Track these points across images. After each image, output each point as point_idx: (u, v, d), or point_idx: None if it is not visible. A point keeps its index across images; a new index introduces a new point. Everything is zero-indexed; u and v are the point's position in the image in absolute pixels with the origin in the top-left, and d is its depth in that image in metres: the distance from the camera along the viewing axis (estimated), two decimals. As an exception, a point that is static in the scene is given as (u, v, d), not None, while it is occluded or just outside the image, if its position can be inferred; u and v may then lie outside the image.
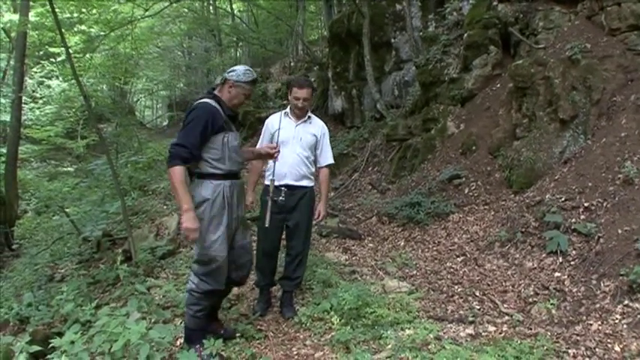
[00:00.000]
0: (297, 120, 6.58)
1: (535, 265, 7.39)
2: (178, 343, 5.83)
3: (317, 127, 6.73)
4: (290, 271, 6.71)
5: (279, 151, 6.07)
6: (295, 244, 6.68)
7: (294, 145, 6.49)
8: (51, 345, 5.13)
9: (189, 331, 5.48)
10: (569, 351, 5.36)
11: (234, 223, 5.47)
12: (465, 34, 13.17)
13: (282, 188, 6.39)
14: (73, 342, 5.05)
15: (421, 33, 16.10)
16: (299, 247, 6.67)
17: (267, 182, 6.42)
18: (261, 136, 6.82)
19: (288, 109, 6.65)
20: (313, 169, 6.73)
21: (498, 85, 12.21)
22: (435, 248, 9.15)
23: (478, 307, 6.67)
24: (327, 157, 6.83)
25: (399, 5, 16.87)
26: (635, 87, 8.78)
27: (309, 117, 6.68)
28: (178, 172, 5.03)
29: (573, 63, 9.30)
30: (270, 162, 6.36)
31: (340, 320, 6.02)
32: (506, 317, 6.34)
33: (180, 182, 5.05)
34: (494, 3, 13.14)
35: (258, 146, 6.61)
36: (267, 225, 6.20)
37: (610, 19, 9.74)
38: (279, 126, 6.47)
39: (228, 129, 5.35)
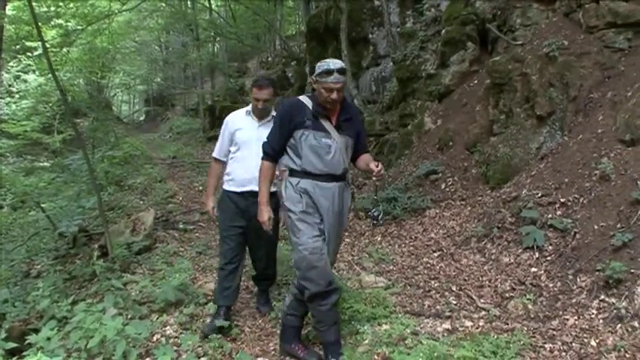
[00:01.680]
0: (260, 120, 6.19)
1: (511, 261, 7.42)
2: (155, 338, 5.82)
3: None
4: (260, 270, 6.67)
5: (380, 173, 5.22)
6: (260, 253, 6.50)
7: (257, 148, 5.66)
8: (27, 341, 5.11)
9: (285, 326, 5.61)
10: (546, 346, 5.39)
11: (321, 224, 5.17)
12: (443, 31, 13.23)
13: (245, 195, 6.04)
14: (49, 338, 5.03)
15: (399, 29, 16.12)
16: (264, 256, 6.52)
17: (225, 187, 6.23)
18: (221, 135, 6.40)
19: (250, 108, 6.27)
20: (277, 172, 5.83)
21: (476, 82, 12.25)
22: (411, 243, 9.16)
23: (455, 302, 6.69)
24: None
25: (377, 1, 16.91)
26: (612, 84, 8.83)
27: (274, 116, 6.01)
28: (264, 166, 5.36)
29: (550, 60, 9.35)
30: (230, 165, 6.21)
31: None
32: (483, 312, 6.36)
33: (263, 177, 5.37)
34: (472, -1, 13.19)
35: (218, 146, 6.40)
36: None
37: (588, 17, 9.79)
38: (240, 126, 6.19)
39: (313, 127, 5.10)
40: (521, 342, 5.36)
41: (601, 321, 5.68)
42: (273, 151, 5.27)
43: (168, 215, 11.56)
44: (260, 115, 6.17)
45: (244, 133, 6.11)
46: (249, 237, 6.27)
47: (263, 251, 6.46)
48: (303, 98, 5.28)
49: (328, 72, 4.95)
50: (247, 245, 6.40)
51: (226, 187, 6.22)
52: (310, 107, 5.14)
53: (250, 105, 6.25)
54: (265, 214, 5.32)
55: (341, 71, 4.99)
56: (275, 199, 5.74)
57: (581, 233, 6.94)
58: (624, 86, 8.52)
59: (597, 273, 6.22)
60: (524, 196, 8.15)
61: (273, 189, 5.67)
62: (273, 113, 6.11)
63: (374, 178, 5.22)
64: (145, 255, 8.86)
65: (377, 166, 5.07)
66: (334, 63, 5.04)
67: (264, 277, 6.72)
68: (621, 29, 9.41)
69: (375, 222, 5.71)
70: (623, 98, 8.28)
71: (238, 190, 6.06)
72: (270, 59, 31.06)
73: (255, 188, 5.61)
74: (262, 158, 5.32)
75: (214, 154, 6.46)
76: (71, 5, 17.28)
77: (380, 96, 16.72)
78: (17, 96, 23.13)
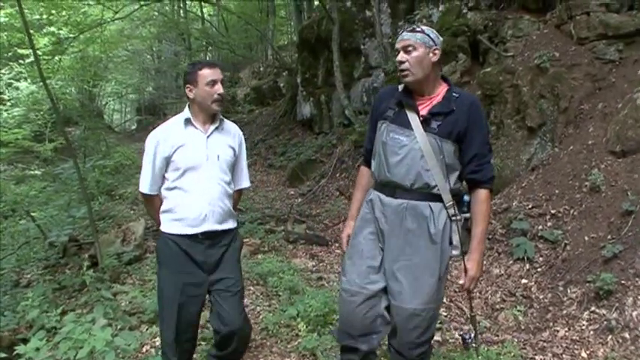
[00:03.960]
0: (206, 127, 4.33)
1: (502, 272, 7.42)
2: (144, 349, 5.79)
3: (233, 134, 4.52)
4: (225, 345, 4.44)
5: (468, 289, 3.96)
6: (228, 318, 4.30)
7: (211, 169, 4.27)
8: (16, 352, 5.08)
9: None
10: (536, 357, 5.41)
11: (375, 258, 3.93)
12: (434, 42, 13.23)
13: (200, 238, 4.23)
14: (38, 349, 5.00)
15: (390, 40, 16.11)
16: (234, 322, 4.31)
17: (167, 229, 4.30)
18: (148, 162, 4.30)
19: (188, 113, 4.29)
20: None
21: (467, 93, 12.27)
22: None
23: (445, 314, 6.67)
24: (243, 177, 4.71)
25: (369, 12, 16.91)
26: (603, 95, 8.86)
27: (221, 119, 4.44)
28: (359, 172, 4.45)
29: (542, 71, 9.36)
30: (171, 199, 4.29)
31: (307, 327, 5.99)
32: (474, 324, 6.36)
33: (356, 185, 4.45)
34: (464, 11, 13.22)
35: (148, 178, 4.31)
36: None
37: (579, 28, 9.83)
38: (179, 142, 4.21)
39: (392, 119, 3.89)
40: (512, 354, 5.36)
41: (592, 332, 5.70)
42: (365, 151, 4.27)
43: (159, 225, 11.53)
44: (208, 116, 4.33)
45: (188, 152, 4.21)
46: (214, 296, 4.38)
47: (235, 318, 4.32)
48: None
49: (411, 30, 3.78)
50: (211, 309, 4.48)
51: (168, 228, 4.31)
52: (404, 92, 3.92)
53: (186, 109, 4.33)
54: (341, 231, 4.38)
55: (411, 30, 3.76)
56: (232, 237, 4.48)
57: (572, 245, 6.96)
58: (615, 98, 8.55)
59: (588, 284, 6.24)
60: (514, 208, 8.16)
61: (234, 223, 4.51)
62: (221, 115, 4.44)
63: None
64: (136, 265, 8.83)
65: (466, 278, 3.82)
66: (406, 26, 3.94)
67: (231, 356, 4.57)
68: (612, 41, 9.45)
69: (465, 344, 4.19)
70: (614, 110, 8.30)
71: (189, 232, 4.22)
72: (262, 69, 31.03)
73: (214, 227, 4.26)
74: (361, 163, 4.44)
75: (144, 190, 4.37)
76: (63, 13, 17.32)
77: (371, 107, 16.67)
78: (9, 103, 23.09)
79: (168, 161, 4.22)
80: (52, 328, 6.04)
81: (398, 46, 3.77)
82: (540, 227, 7.58)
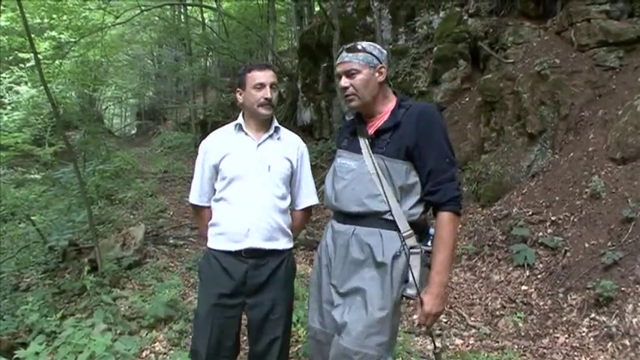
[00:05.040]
0: (259, 134, 3.98)
1: (502, 279, 7.41)
2: (144, 354, 5.77)
3: (291, 145, 4.11)
4: None
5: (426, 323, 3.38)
6: (268, 349, 4.02)
7: (260, 179, 3.87)
8: (15, 356, 5.06)
9: None
10: (536, 364, 5.39)
11: (325, 290, 3.59)
12: (435, 48, 13.24)
13: (243, 256, 3.83)
14: (37, 353, 4.99)
15: (391, 46, 16.11)
16: (274, 355, 4.02)
17: (211, 244, 3.97)
18: (198, 170, 4.10)
19: (240, 119, 4.01)
20: (290, 218, 4.09)
21: (467, 99, 12.26)
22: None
23: (445, 321, 6.67)
24: (307, 194, 4.19)
25: (370, 18, 16.90)
26: (603, 102, 8.86)
27: (277, 128, 4.06)
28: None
29: (542, 78, 9.36)
30: (217, 210, 3.99)
31: (307, 333, 5.99)
32: (474, 330, 6.35)
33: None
34: (465, 17, 13.25)
35: (197, 186, 4.09)
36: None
37: (579, 35, 9.83)
38: (228, 150, 3.93)
39: (346, 146, 3.67)
40: (512, 360, 5.36)
41: (592, 339, 5.69)
42: None
43: (159, 230, 11.51)
44: (260, 123, 3.99)
45: (236, 160, 3.90)
46: (249, 322, 4.03)
47: (275, 350, 4.03)
48: None
49: (345, 48, 3.50)
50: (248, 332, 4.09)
51: (212, 244, 3.97)
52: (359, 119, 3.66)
53: (240, 116, 4.03)
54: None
55: (351, 49, 3.44)
56: (284, 259, 3.99)
57: (572, 251, 6.96)
58: (615, 104, 8.56)
59: (588, 291, 6.23)
60: (515, 214, 8.16)
61: (288, 244, 4.01)
62: (276, 123, 4.08)
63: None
64: (135, 270, 8.80)
65: (421, 313, 3.32)
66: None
67: None
68: (612, 48, 9.46)
69: None
70: (614, 117, 8.31)
71: (231, 248, 3.85)
72: (262, 74, 30.98)
73: (259, 245, 3.82)
74: None
75: (192, 200, 4.15)
76: (64, 17, 17.29)
77: (372, 113, 16.64)
78: (9, 107, 23.05)
79: (216, 170, 3.95)
80: (52, 333, 6.03)
81: (339, 70, 3.48)
82: (540, 234, 7.58)
